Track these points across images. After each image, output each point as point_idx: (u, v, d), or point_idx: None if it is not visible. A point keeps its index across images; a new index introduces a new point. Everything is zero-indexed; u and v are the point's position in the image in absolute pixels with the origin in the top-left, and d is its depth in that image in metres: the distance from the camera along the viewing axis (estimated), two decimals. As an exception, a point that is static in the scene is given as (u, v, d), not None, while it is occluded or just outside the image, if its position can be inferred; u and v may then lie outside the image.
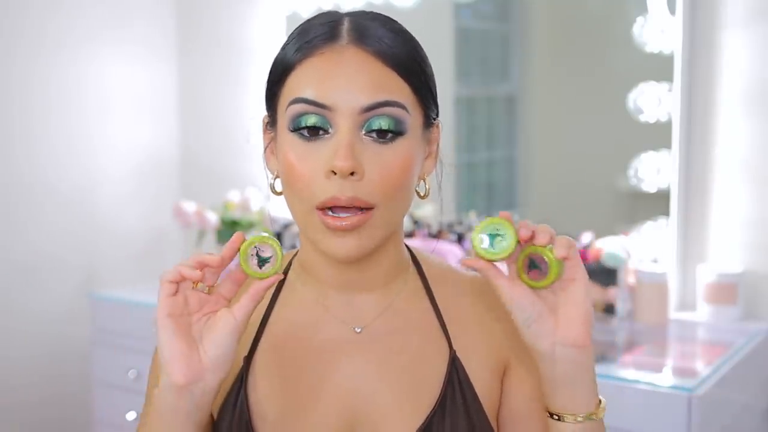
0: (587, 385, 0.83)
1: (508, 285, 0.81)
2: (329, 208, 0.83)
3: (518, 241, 0.80)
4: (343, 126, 0.83)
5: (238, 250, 0.81)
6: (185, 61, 3.01)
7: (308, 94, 0.83)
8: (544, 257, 0.80)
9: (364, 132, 0.83)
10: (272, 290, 0.95)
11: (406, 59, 0.86)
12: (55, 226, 2.68)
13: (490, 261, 0.80)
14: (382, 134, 0.83)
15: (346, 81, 0.83)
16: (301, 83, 0.84)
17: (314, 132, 0.83)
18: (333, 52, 0.84)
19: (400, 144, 0.84)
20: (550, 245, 0.80)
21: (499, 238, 0.80)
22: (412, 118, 0.86)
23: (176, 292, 0.80)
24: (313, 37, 0.85)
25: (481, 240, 0.80)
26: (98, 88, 2.78)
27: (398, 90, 0.85)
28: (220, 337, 0.80)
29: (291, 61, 0.86)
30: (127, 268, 2.89)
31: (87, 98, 2.75)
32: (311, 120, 0.83)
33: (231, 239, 0.81)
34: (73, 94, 2.71)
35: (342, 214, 0.83)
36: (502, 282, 0.81)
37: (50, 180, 2.66)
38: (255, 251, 0.81)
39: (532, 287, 0.82)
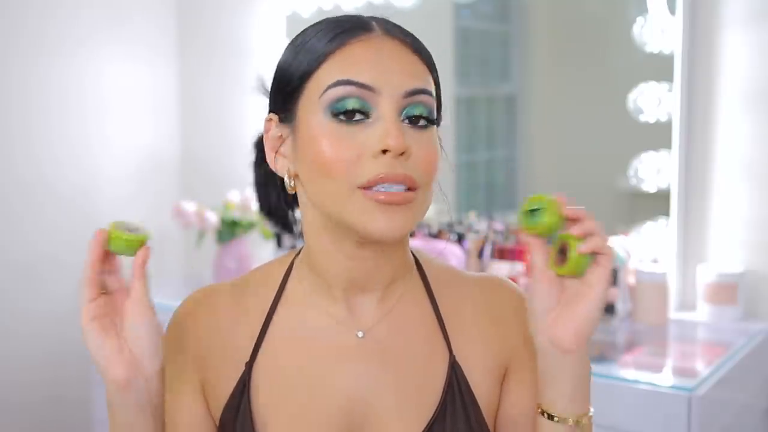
0: (572, 389, 0.84)
1: (539, 266, 0.82)
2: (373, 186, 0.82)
3: (559, 221, 0.81)
4: (387, 108, 0.83)
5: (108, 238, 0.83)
6: (185, 61, 3.01)
7: (352, 76, 0.83)
8: (569, 247, 0.81)
9: (402, 117, 0.84)
10: (274, 292, 0.95)
11: (431, 58, 0.89)
12: (55, 227, 2.68)
13: (530, 233, 0.81)
14: (417, 120, 0.85)
15: (388, 66, 0.84)
16: (339, 69, 0.84)
17: (351, 116, 0.83)
18: (370, 40, 0.86)
19: (431, 132, 0.87)
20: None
21: (539, 212, 0.81)
22: (436, 111, 0.88)
23: (97, 295, 0.82)
24: (346, 27, 0.86)
25: (524, 211, 0.82)
26: (98, 87, 2.78)
27: (430, 82, 0.88)
28: (135, 326, 0.82)
29: (324, 50, 0.85)
30: (127, 268, 2.89)
31: (87, 98, 2.75)
32: (352, 103, 0.83)
33: (94, 236, 0.83)
34: (72, 93, 2.71)
35: (394, 188, 0.82)
36: (536, 260, 0.83)
37: (50, 180, 2.66)
38: (124, 228, 0.84)
39: (554, 271, 0.82)
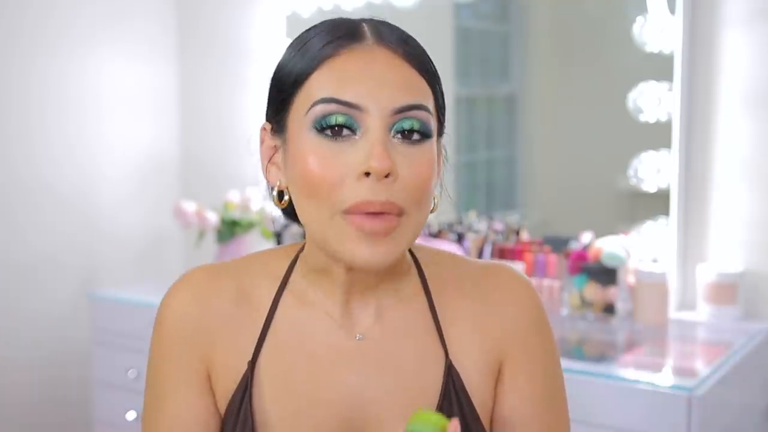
0: None
1: None
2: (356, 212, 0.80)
3: None
4: (374, 126, 0.80)
5: None
6: (185, 61, 3.01)
7: (337, 94, 0.80)
8: None
9: (393, 133, 0.81)
10: (277, 286, 0.94)
11: (428, 65, 0.85)
12: (55, 227, 2.68)
13: None
14: (410, 135, 0.81)
15: (377, 81, 0.81)
16: (326, 83, 0.81)
17: (338, 132, 0.80)
18: (361, 51, 0.82)
19: (426, 146, 0.82)
20: None
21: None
22: (434, 123, 0.84)
23: None
24: (337, 36, 0.83)
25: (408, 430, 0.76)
26: (98, 87, 2.78)
27: (425, 94, 0.83)
28: None
29: (312, 62, 0.83)
30: (127, 268, 2.89)
31: (86, 97, 2.75)
32: (339, 118, 0.80)
33: None
34: (72, 93, 2.71)
35: (376, 222, 0.79)
36: None
37: (49, 181, 2.66)
38: None
39: None
